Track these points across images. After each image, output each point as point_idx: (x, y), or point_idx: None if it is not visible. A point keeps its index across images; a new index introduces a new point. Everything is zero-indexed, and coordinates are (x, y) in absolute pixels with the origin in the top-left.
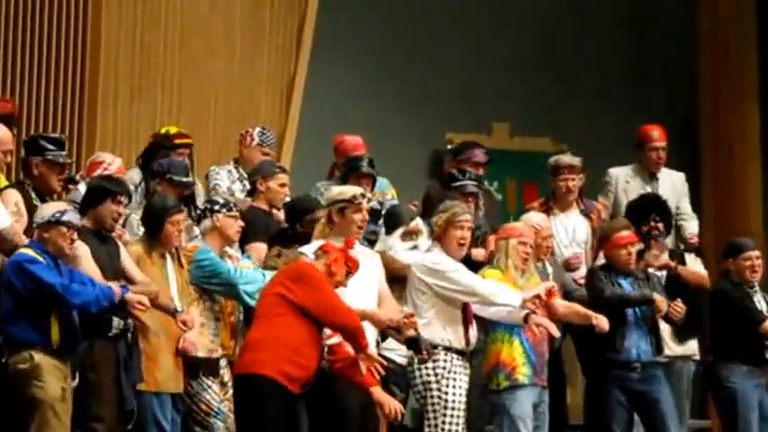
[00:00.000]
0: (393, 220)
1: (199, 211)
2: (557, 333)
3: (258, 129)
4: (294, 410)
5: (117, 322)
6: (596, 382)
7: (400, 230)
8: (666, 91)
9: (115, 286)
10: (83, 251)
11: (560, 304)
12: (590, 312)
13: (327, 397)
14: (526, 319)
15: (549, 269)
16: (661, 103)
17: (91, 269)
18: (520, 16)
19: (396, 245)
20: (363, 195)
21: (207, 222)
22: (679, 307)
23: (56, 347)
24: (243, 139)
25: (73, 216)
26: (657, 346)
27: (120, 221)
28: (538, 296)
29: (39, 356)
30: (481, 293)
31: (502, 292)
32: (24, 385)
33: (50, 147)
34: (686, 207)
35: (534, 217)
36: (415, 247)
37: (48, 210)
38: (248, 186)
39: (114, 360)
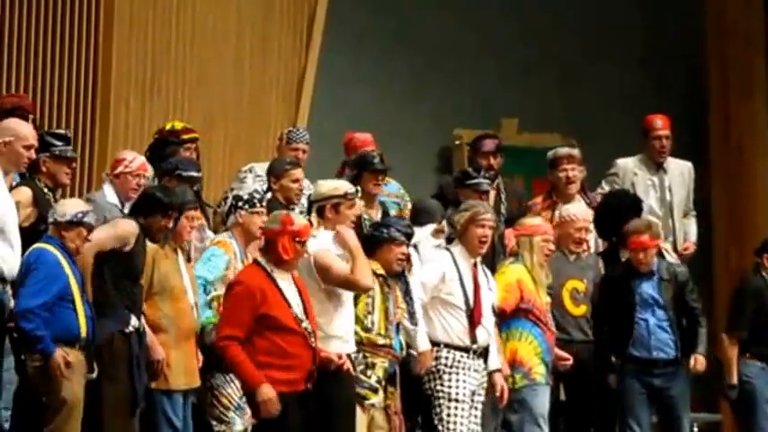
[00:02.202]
0: (424, 215)
1: (226, 206)
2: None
3: (288, 129)
4: (308, 406)
5: (134, 320)
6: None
7: (432, 227)
8: (677, 86)
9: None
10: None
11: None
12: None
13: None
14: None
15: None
16: (671, 98)
17: None
18: (527, 10)
19: (424, 240)
20: (357, 192)
21: (231, 218)
22: (699, 363)
23: (83, 343)
24: (279, 142)
25: (92, 218)
26: (680, 346)
27: None
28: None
29: (70, 354)
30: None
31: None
32: (49, 383)
33: (57, 143)
34: (689, 202)
35: (572, 208)
36: (439, 246)
37: (69, 208)
38: None
39: (129, 356)
